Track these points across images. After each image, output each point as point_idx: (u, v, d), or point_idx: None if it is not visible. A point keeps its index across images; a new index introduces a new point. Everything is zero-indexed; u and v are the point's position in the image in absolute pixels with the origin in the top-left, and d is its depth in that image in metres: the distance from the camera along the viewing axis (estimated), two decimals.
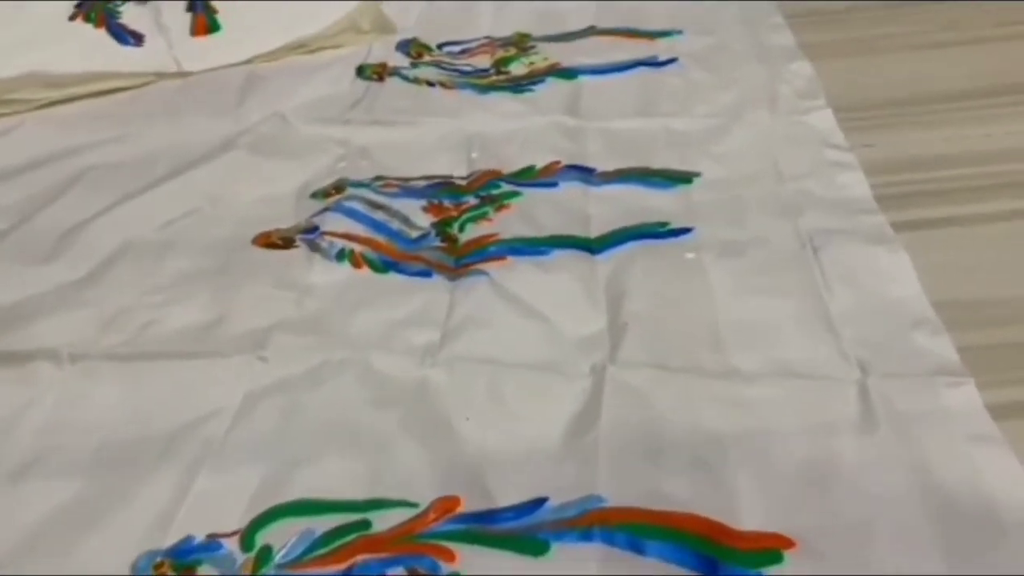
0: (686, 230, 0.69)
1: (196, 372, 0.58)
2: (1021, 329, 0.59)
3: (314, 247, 0.70)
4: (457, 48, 1.03)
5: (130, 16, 1.16)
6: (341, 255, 0.69)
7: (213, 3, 1.19)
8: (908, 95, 0.85)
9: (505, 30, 1.06)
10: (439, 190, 0.77)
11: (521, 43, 1.03)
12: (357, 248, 0.70)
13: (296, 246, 0.71)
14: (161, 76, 1.01)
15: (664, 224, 0.70)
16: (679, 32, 1.02)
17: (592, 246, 0.68)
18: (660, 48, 0.98)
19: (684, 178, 0.76)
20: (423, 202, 0.75)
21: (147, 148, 0.86)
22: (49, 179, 0.82)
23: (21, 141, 0.89)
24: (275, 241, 0.72)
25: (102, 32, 1.10)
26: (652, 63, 0.95)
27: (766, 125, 0.81)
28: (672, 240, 0.68)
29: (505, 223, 0.72)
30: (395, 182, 0.78)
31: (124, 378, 0.58)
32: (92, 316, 0.64)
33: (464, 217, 0.73)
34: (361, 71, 0.98)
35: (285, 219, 0.75)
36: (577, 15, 1.07)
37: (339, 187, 0.77)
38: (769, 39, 0.98)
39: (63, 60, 1.01)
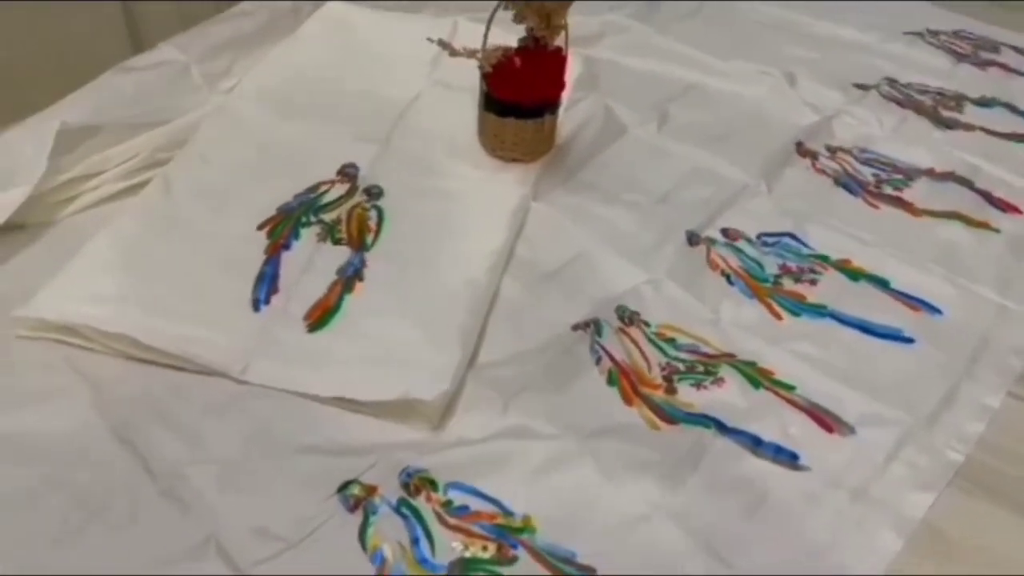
0: None
1: None
2: None
3: None
4: None
5: (301, 244, 1.20)
6: None
7: (368, 270, 1.17)
8: None
9: None
10: None
11: None
12: None
13: None
14: (224, 375, 1.02)
15: None
16: None
17: None
18: None
19: None
20: None
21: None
22: None
23: None
24: None
25: (258, 266, 1.14)
26: None
27: None
28: None
29: None
30: None
31: None
32: None
33: None
34: (345, 487, 0.90)
35: None
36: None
37: None
38: None
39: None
